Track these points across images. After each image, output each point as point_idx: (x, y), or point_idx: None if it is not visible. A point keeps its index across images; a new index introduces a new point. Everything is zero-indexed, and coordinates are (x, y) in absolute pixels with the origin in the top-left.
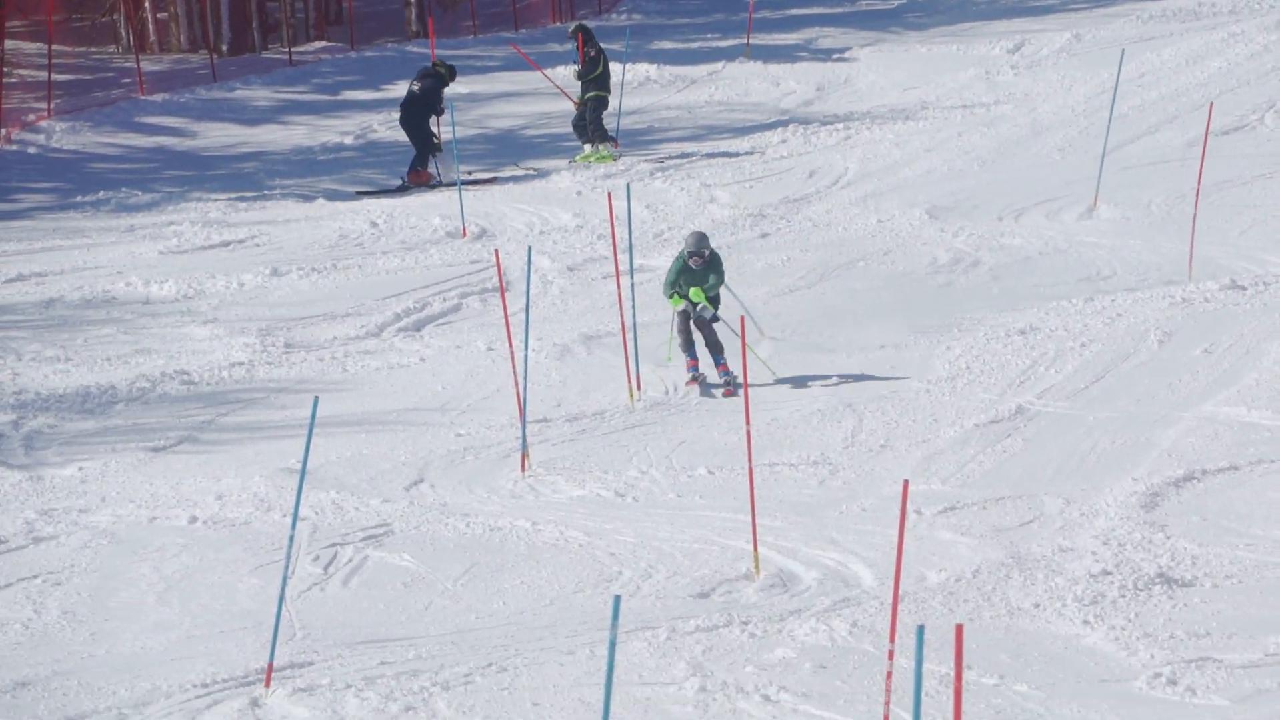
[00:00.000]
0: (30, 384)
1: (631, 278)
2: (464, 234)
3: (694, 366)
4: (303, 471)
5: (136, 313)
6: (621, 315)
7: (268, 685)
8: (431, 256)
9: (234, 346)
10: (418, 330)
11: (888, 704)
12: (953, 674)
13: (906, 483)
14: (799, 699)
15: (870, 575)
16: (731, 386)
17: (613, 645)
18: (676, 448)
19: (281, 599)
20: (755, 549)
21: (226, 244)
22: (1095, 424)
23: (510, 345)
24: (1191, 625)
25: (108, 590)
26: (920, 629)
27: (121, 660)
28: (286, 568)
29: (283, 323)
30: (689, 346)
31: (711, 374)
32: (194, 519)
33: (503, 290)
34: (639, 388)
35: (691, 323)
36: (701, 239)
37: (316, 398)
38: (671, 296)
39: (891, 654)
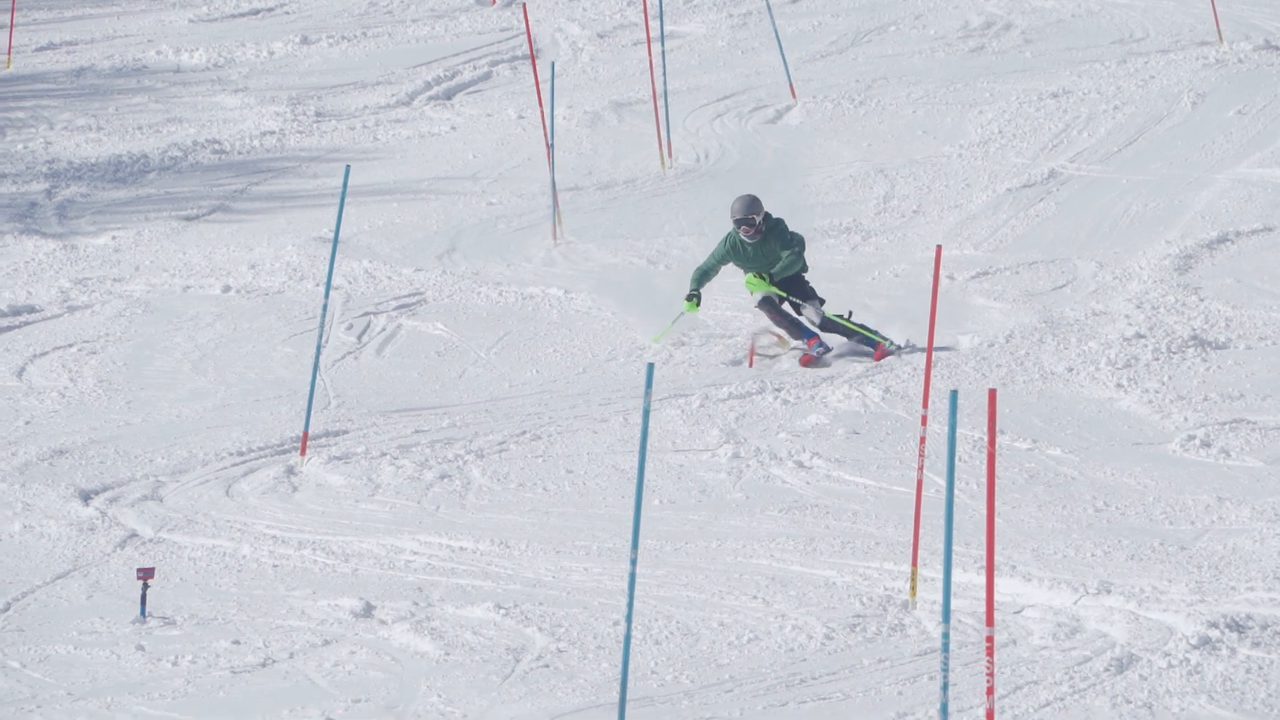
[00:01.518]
0: (62, 153)
1: (662, 44)
2: (493, 1)
3: (817, 343)
4: (335, 240)
5: (167, 81)
6: (653, 81)
7: (303, 454)
8: (461, 24)
9: (265, 115)
10: (448, 98)
11: (920, 469)
12: (985, 438)
13: (939, 248)
14: (832, 464)
15: (902, 340)
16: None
17: (646, 413)
18: (708, 215)
19: (316, 367)
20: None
21: (256, 11)
22: (1128, 187)
23: (541, 113)
24: (1225, 387)
25: (143, 359)
26: (953, 394)
27: (157, 428)
28: (320, 337)
29: (313, 91)
30: (797, 326)
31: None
32: (227, 288)
33: (533, 57)
34: (670, 154)
35: (785, 306)
36: (752, 203)
37: (348, 166)
38: (749, 281)
39: (925, 419)
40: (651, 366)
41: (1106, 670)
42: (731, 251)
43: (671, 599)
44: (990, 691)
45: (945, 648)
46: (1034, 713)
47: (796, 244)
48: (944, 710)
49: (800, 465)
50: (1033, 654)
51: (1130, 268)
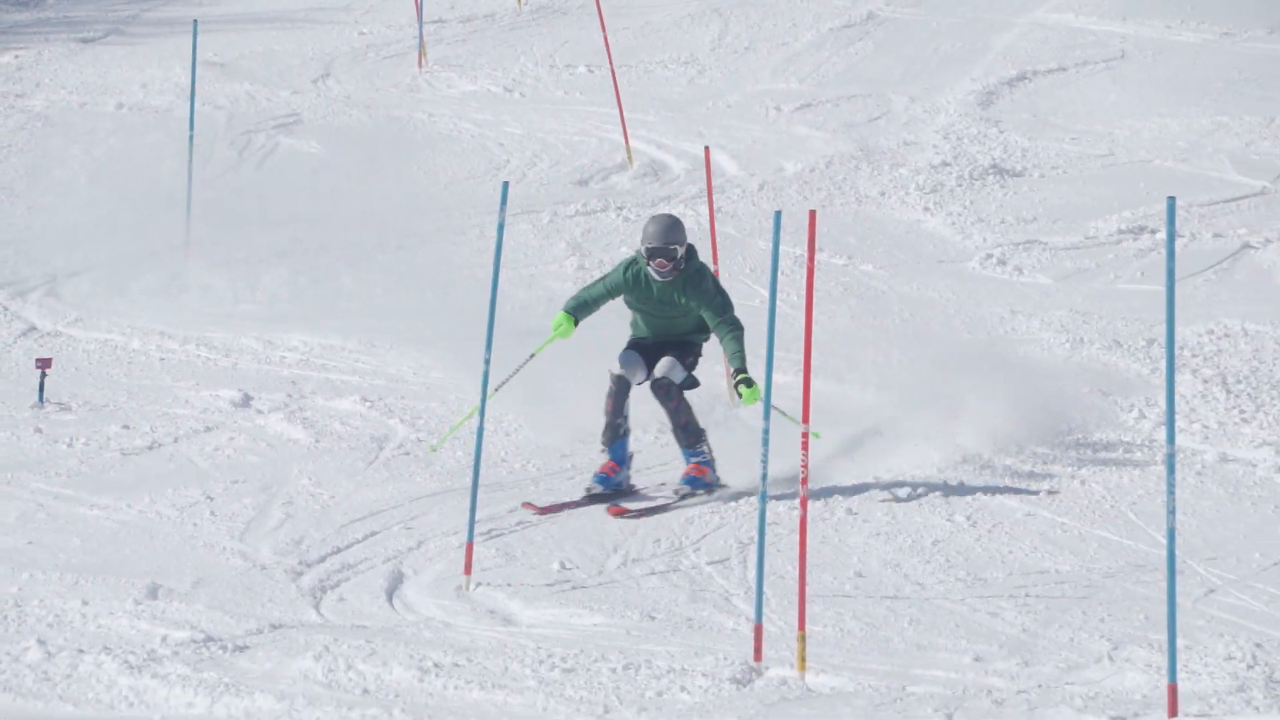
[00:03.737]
0: None
1: None
2: None
3: (612, 472)
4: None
5: None
6: None
7: (188, 258)
8: None
9: None
10: None
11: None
12: (805, 255)
13: (708, 150)
14: None
15: (734, 165)
16: (699, 488)
17: (501, 227)
18: (560, 47)
19: (190, 179)
20: (627, 140)
21: None
22: (939, 29)
23: None
24: (1020, 211)
25: (43, 169)
26: (777, 214)
27: (56, 232)
28: (190, 155)
29: None
30: (615, 432)
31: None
32: (120, 105)
33: None
34: None
35: (644, 387)
36: (673, 226)
37: (195, 21)
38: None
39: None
40: (506, 185)
41: (905, 463)
42: (630, 286)
43: (521, 393)
44: (804, 481)
45: (765, 441)
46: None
47: (728, 315)
48: (763, 497)
49: None
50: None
51: (939, 102)
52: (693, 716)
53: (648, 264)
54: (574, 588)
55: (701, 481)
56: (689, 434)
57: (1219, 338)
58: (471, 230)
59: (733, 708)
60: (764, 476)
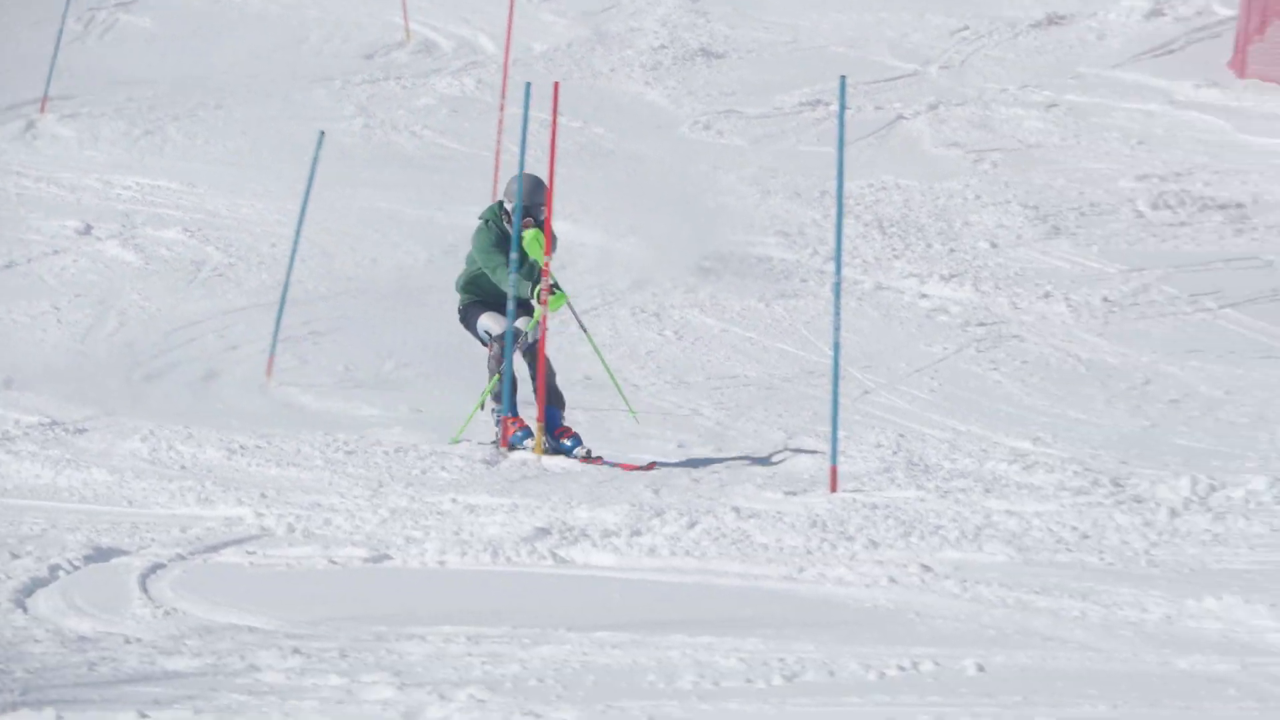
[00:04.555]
0: None
1: None
2: None
3: (523, 427)
4: None
5: None
6: None
7: (43, 111)
8: None
9: None
10: None
11: (499, 142)
12: (549, 119)
13: None
14: (436, 134)
15: (492, 45)
16: (587, 452)
17: (312, 176)
18: None
19: (58, 46)
20: (406, 21)
21: None
22: None
23: None
24: (722, 86)
25: None
26: (527, 85)
27: None
28: (64, 21)
29: None
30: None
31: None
32: None
33: None
34: None
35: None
36: (541, 185)
37: None
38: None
39: (503, 106)
40: (323, 135)
41: (626, 289)
42: (501, 245)
43: (315, 227)
44: (545, 303)
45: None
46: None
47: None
48: (511, 314)
49: (414, 134)
50: (579, 276)
51: None
52: (449, 490)
53: (515, 221)
54: (356, 386)
55: (578, 439)
56: (556, 393)
57: (877, 190)
58: (277, 93)
59: (483, 484)
60: (511, 314)
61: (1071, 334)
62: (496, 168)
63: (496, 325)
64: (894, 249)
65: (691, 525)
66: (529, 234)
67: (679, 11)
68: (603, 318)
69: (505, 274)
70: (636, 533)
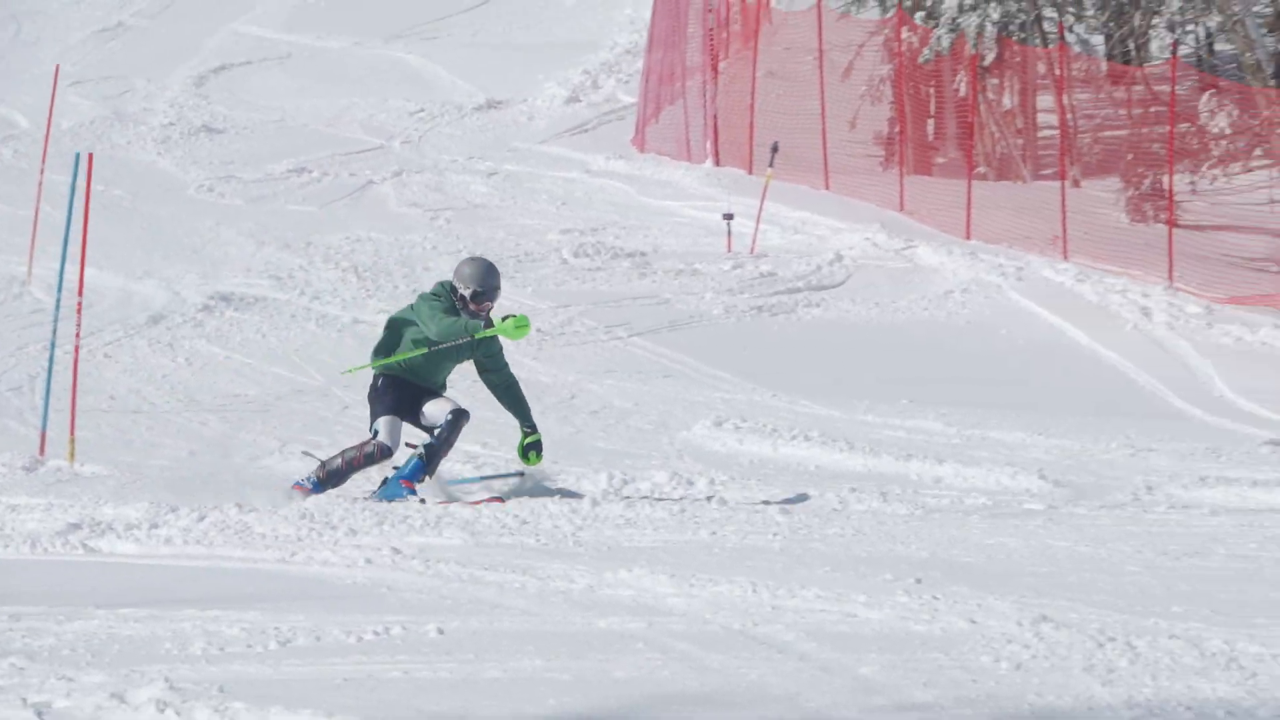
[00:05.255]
0: None
1: None
2: None
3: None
4: None
5: None
6: None
7: None
8: None
9: None
10: None
11: (38, 200)
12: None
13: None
14: None
15: (25, 120)
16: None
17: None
18: None
19: None
20: None
21: None
22: (166, 33)
23: None
24: (222, 156)
25: None
26: (77, 155)
27: None
28: None
29: None
30: (342, 479)
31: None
32: None
33: None
34: None
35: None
36: (494, 269)
37: None
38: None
39: (43, 171)
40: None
41: (144, 323)
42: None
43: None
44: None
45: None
46: None
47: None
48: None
49: None
50: (104, 312)
51: (167, 82)
52: None
53: (470, 305)
54: None
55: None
56: (435, 460)
57: (353, 241)
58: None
59: (23, 487)
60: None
61: (511, 358)
62: (35, 224)
63: (389, 437)
64: (367, 289)
65: (201, 519)
66: (513, 320)
67: (185, 94)
68: (124, 349)
69: (465, 323)
70: (155, 525)
